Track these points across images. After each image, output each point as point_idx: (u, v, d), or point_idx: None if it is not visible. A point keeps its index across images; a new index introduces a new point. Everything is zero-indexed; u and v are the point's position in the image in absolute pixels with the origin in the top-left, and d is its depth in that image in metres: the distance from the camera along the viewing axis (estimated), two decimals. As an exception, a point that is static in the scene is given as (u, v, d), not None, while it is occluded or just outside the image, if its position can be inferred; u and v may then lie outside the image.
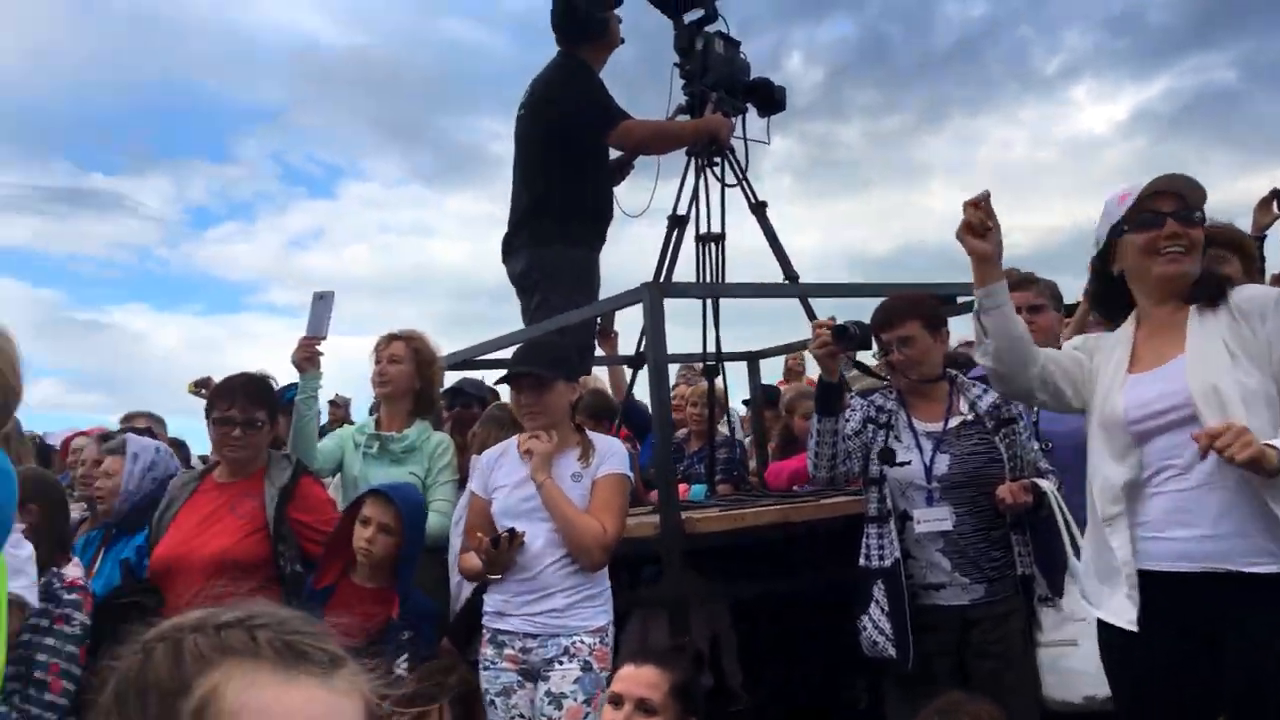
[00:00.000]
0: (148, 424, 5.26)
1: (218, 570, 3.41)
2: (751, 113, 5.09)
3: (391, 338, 4.27)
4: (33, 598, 2.85)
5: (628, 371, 5.36)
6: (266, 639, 0.91)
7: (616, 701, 2.73)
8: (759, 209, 4.97)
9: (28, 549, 2.85)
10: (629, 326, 5.66)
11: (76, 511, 4.32)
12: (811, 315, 4.76)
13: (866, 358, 4.40)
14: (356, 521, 3.43)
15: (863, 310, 3.67)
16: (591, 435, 3.59)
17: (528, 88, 5.10)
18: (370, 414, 5.18)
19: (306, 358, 4.01)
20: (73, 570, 3.41)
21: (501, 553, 3.30)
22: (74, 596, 3.27)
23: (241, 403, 3.61)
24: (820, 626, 4.04)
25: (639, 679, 2.73)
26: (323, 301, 4.08)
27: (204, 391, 5.50)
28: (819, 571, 3.94)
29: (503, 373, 3.64)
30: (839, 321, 3.53)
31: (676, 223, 4.96)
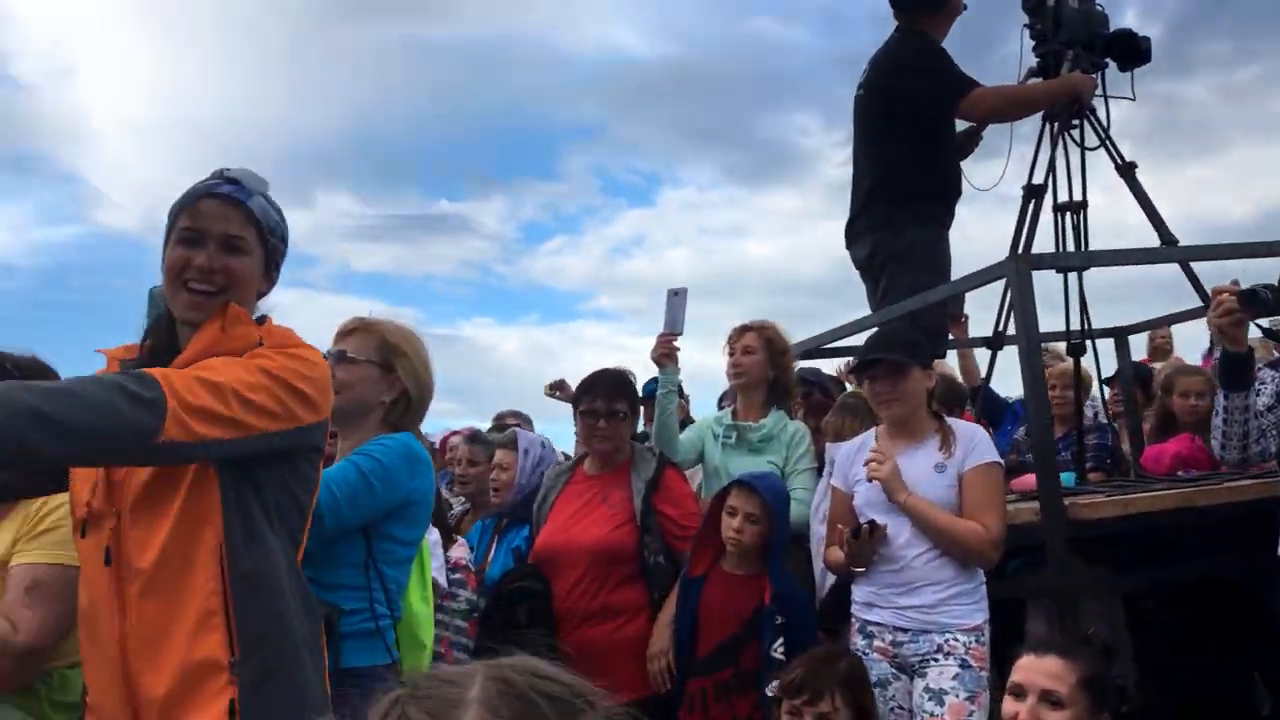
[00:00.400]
0: (517, 422, 5.62)
1: (592, 558, 3.58)
2: (1110, 68, 4.68)
3: (744, 329, 4.28)
4: (442, 579, 3.13)
5: (977, 355, 5.10)
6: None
7: (1018, 693, 2.56)
8: (1128, 170, 4.57)
9: (434, 534, 3.14)
10: (978, 307, 5.40)
11: (456, 504, 4.70)
12: (1195, 282, 4.30)
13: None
14: (724, 512, 3.48)
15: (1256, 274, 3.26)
16: (951, 422, 3.44)
17: (866, 66, 4.95)
18: (719, 405, 5.26)
19: (665, 353, 4.10)
20: (457, 552, 3.75)
21: (863, 544, 3.24)
22: (458, 576, 3.66)
23: (604, 395, 3.77)
24: (1214, 618, 3.66)
25: (1042, 669, 2.55)
26: (677, 298, 4.14)
27: (559, 394, 5.80)
28: (1214, 559, 3.56)
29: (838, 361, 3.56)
30: (1244, 286, 3.15)
31: (1033, 193, 4.67)
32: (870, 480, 3.28)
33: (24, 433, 1.48)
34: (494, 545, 4.28)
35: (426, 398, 2.80)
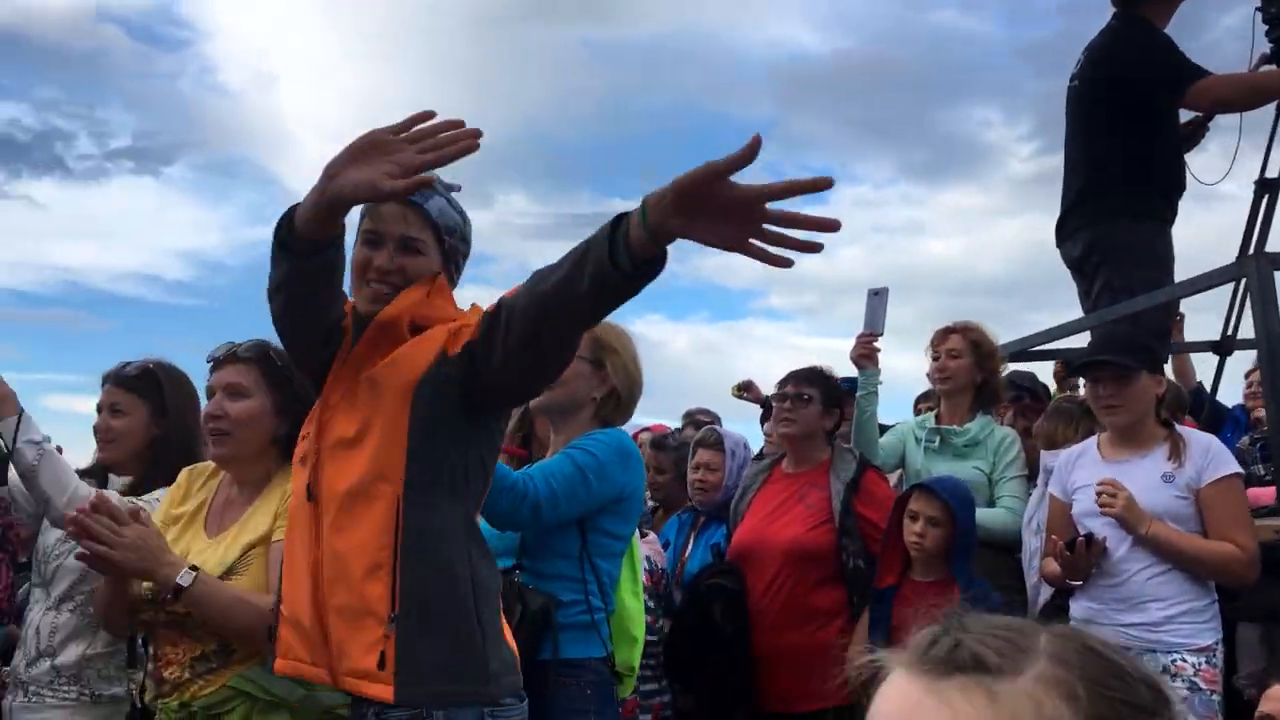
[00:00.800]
0: (709, 420, 5.62)
1: (788, 558, 3.53)
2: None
3: (948, 331, 4.15)
4: None
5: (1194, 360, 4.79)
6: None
7: None
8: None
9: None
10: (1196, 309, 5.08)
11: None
12: None
13: None
14: (905, 516, 3.39)
15: None
16: (1182, 430, 3.23)
17: (1080, 57, 4.70)
18: (916, 407, 5.11)
19: (865, 354, 4.01)
20: (645, 549, 3.77)
21: (1079, 558, 3.08)
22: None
23: (794, 380, 3.74)
24: None
25: None
26: (878, 297, 4.06)
27: (747, 395, 5.75)
28: None
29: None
30: None
31: (1265, 187, 4.35)
32: (1103, 515, 3.10)
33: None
34: (690, 541, 4.30)
35: (636, 394, 2.85)
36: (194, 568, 2.21)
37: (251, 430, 2.43)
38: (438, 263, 2.00)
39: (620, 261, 1.59)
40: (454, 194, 2.07)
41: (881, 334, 4.05)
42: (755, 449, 5.76)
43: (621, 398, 2.78)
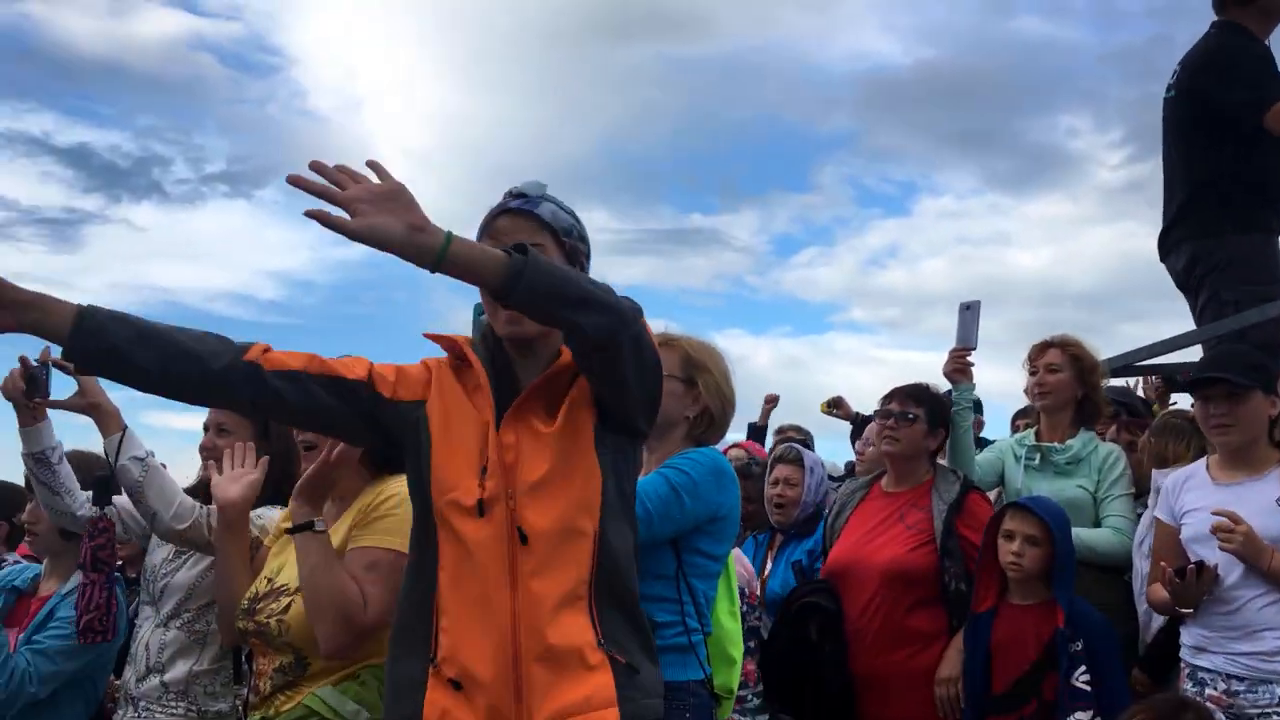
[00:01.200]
0: (801, 437, 5.59)
1: (887, 579, 3.48)
2: None
3: (1046, 345, 4.05)
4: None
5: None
6: None
7: None
8: None
9: None
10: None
11: None
12: None
13: None
14: (1000, 536, 3.31)
15: None
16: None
17: (1177, 67, 4.56)
18: (1013, 424, 5.01)
19: (958, 369, 3.93)
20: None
21: (1189, 586, 2.98)
22: None
23: (900, 398, 3.69)
24: None
25: None
26: (969, 311, 3.99)
27: (836, 411, 5.70)
28: None
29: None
30: None
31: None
32: (1222, 551, 2.99)
33: (550, 267, 1.72)
34: (769, 559, 4.30)
35: (729, 413, 2.83)
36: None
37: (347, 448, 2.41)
38: (561, 262, 1.97)
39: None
40: (549, 195, 2.07)
41: (975, 348, 3.97)
42: (842, 465, 5.76)
43: (714, 417, 2.76)
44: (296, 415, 1.99)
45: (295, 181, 1.65)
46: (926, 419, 3.66)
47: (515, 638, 1.84)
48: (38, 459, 2.73)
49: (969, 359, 3.97)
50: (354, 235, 1.62)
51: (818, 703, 3.47)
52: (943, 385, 3.97)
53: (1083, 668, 3.08)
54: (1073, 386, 3.99)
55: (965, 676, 3.31)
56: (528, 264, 1.67)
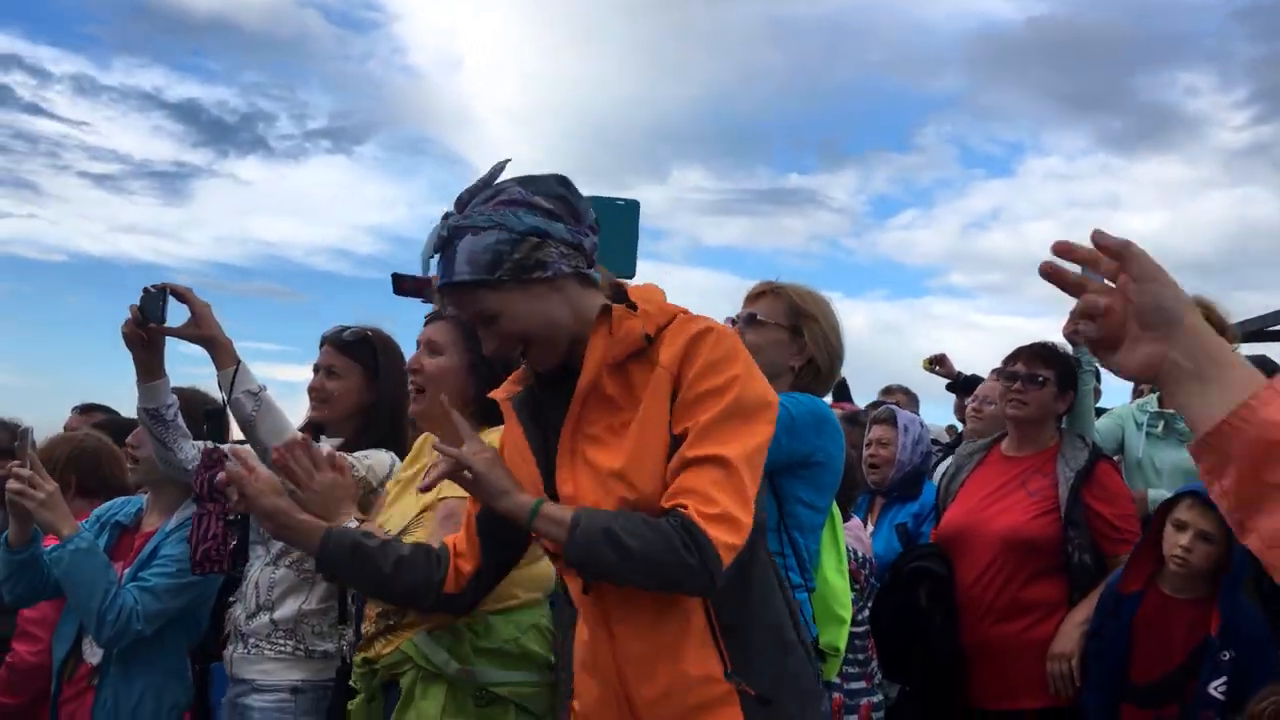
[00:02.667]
0: (905, 398, 5.41)
1: (1005, 546, 3.31)
2: None
3: None
4: None
5: None
6: None
7: None
8: None
9: None
10: None
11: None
12: None
13: None
14: (1169, 524, 3.03)
15: None
16: None
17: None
18: (1135, 391, 4.71)
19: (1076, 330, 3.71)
20: (846, 535, 3.60)
21: None
22: None
23: (1026, 358, 3.49)
24: None
25: None
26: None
27: (938, 369, 5.50)
28: None
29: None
30: None
31: None
32: None
33: (601, 552, 1.63)
34: (869, 522, 4.20)
35: (836, 366, 2.71)
36: (361, 523, 2.19)
37: (443, 387, 2.41)
38: (520, 296, 1.74)
39: None
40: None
41: None
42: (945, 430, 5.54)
43: (820, 368, 2.64)
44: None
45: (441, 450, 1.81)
46: (1056, 381, 3.45)
47: (627, 690, 1.76)
48: (153, 415, 2.74)
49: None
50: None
51: (926, 671, 3.32)
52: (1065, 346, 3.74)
53: (1224, 679, 2.84)
54: None
55: (1095, 658, 3.11)
56: (569, 545, 1.66)
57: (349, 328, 3.03)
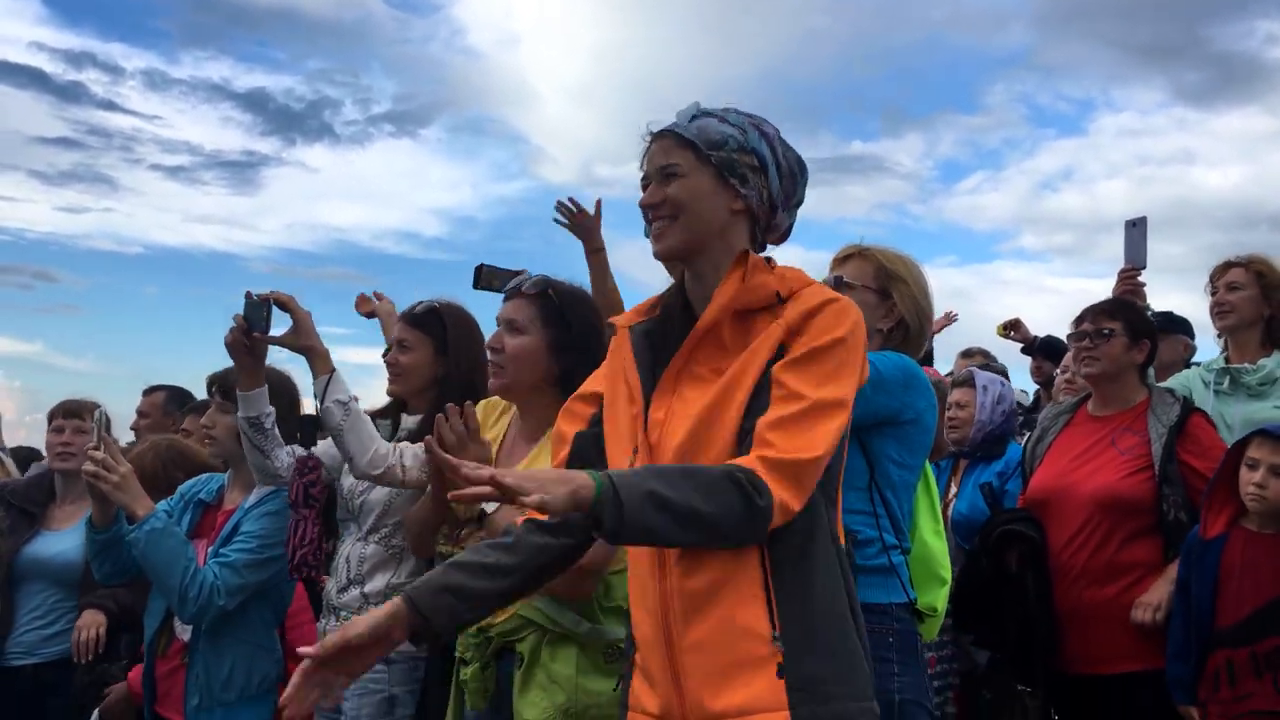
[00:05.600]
0: (984, 360, 5.31)
1: (1098, 507, 3.21)
2: None
3: (1228, 264, 3.80)
4: None
5: None
6: None
7: None
8: None
9: None
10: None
11: None
12: None
13: None
14: (1243, 464, 3.00)
15: None
16: None
17: None
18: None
19: (1129, 290, 3.73)
20: None
21: None
22: None
23: (1091, 316, 3.42)
24: None
25: None
26: (1136, 229, 3.79)
27: (1013, 334, 5.41)
28: None
29: None
30: None
31: None
32: None
33: (648, 516, 1.55)
34: (953, 483, 4.15)
35: (926, 327, 2.68)
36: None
37: (524, 366, 2.48)
38: (708, 181, 1.81)
39: None
40: (700, 112, 1.88)
41: (1144, 267, 3.78)
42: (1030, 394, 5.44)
43: (910, 330, 2.60)
44: None
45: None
46: (1126, 332, 3.35)
47: (667, 627, 1.70)
48: (253, 423, 2.81)
49: (1140, 279, 3.76)
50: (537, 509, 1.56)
51: (1019, 638, 3.23)
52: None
53: None
54: (1258, 305, 3.74)
55: (1184, 608, 3.03)
56: (597, 503, 1.54)
57: (422, 302, 3.07)
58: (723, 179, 1.82)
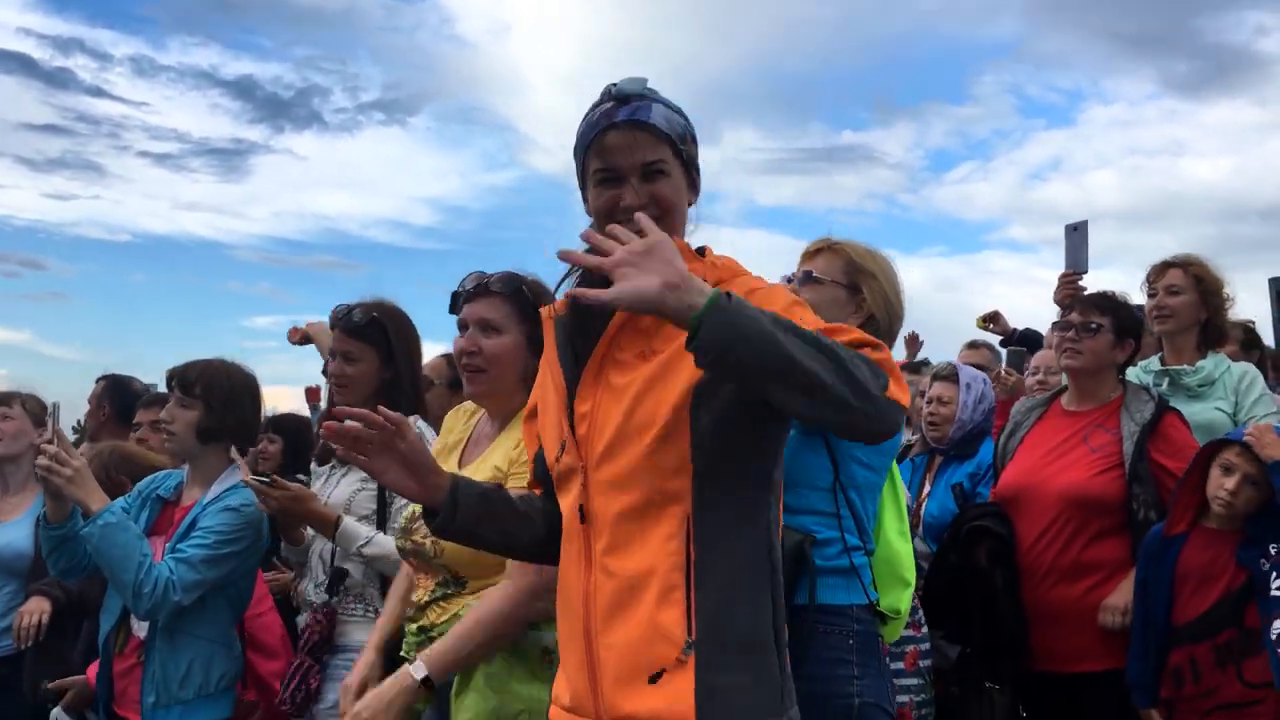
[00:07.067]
0: (990, 355, 5.31)
1: (1067, 504, 3.21)
2: None
3: (1165, 265, 3.81)
4: None
5: None
6: None
7: None
8: None
9: None
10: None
11: (905, 435, 4.46)
12: None
13: None
14: (1214, 466, 3.01)
15: None
16: None
17: None
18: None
19: (1069, 294, 3.77)
20: None
21: None
22: None
23: (1081, 307, 3.41)
24: None
25: None
26: (1077, 233, 3.90)
27: (992, 326, 5.41)
28: None
29: None
30: None
31: None
32: None
33: (767, 324, 1.40)
34: (927, 481, 4.09)
35: (896, 327, 2.64)
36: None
37: (505, 366, 2.43)
38: (682, 179, 1.76)
39: None
40: (654, 94, 1.78)
41: (1086, 271, 3.88)
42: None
43: (880, 326, 2.54)
44: None
45: (567, 257, 1.54)
46: (1113, 329, 3.33)
47: (588, 624, 1.64)
48: (358, 554, 2.86)
49: (1080, 283, 3.83)
50: (616, 304, 1.45)
51: (987, 634, 3.22)
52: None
53: None
54: (1196, 309, 3.76)
55: (1142, 608, 3.05)
56: (704, 322, 1.38)
57: (355, 307, 3.06)
58: (689, 174, 1.78)
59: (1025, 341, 5.26)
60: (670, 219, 1.72)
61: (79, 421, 5.07)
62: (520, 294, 2.47)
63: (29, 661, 3.55)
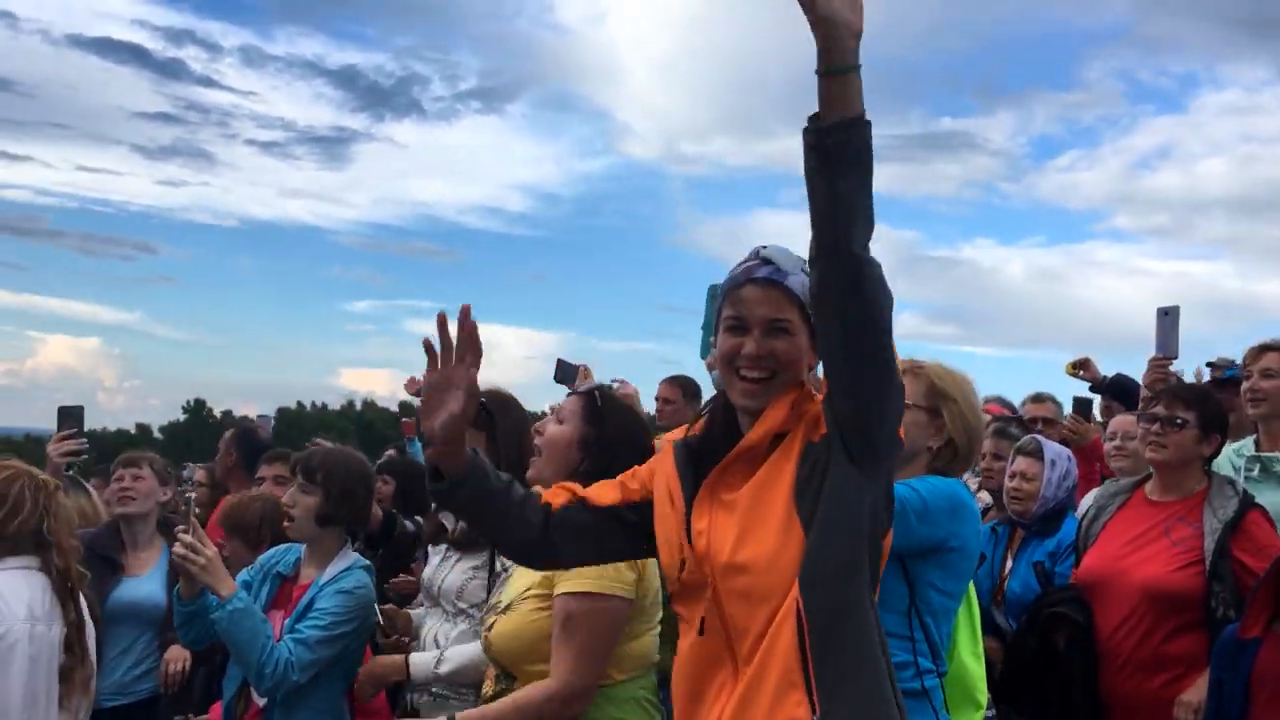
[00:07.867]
0: (1055, 409, 5.22)
1: (1146, 597, 3.24)
2: None
3: (1264, 348, 3.73)
4: None
5: None
6: None
7: None
8: None
9: None
10: None
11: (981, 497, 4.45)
12: None
13: None
14: None
15: None
16: None
17: None
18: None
19: (1159, 379, 3.81)
20: None
21: None
22: None
23: (1167, 400, 3.40)
24: None
25: None
26: (1168, 318, 3.91)
27: (1082, 373, 5.29)
28: None
29: None
30: None
31: None
32: None
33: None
34: (1009, 557, 4.06)
35: (976, 446, 2.71)
36: None
37: (555, 452, 2.65)
38: (806, 341, 1.89)
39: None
40: (802, 270, 1.90)
41: (1176, 357, 3.91)
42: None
43: (959, 448, 2.61)
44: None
45: None
46: (1198, 424, 3.34)
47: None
48: (437, 680, 3.03)
49: (1170, 368, 3.85)
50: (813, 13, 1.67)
51: (1061, 718, 3.28)
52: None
53: None
54: None
55: (1215, 704, 3.02)
56: (850, 138, 1.61)
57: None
58: (813, 336, 1.88)
59: (1115, 388, 5.16)
60: (786, 374, 1.89)
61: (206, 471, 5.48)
62: (591, 396, 2.72)
63: (164, 705, 3.92)
